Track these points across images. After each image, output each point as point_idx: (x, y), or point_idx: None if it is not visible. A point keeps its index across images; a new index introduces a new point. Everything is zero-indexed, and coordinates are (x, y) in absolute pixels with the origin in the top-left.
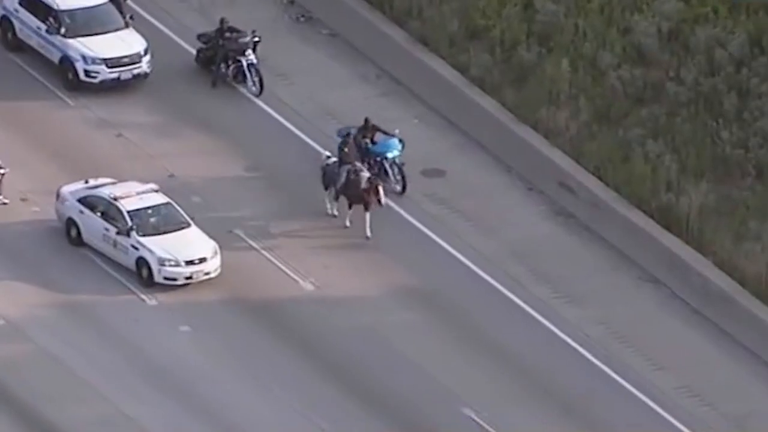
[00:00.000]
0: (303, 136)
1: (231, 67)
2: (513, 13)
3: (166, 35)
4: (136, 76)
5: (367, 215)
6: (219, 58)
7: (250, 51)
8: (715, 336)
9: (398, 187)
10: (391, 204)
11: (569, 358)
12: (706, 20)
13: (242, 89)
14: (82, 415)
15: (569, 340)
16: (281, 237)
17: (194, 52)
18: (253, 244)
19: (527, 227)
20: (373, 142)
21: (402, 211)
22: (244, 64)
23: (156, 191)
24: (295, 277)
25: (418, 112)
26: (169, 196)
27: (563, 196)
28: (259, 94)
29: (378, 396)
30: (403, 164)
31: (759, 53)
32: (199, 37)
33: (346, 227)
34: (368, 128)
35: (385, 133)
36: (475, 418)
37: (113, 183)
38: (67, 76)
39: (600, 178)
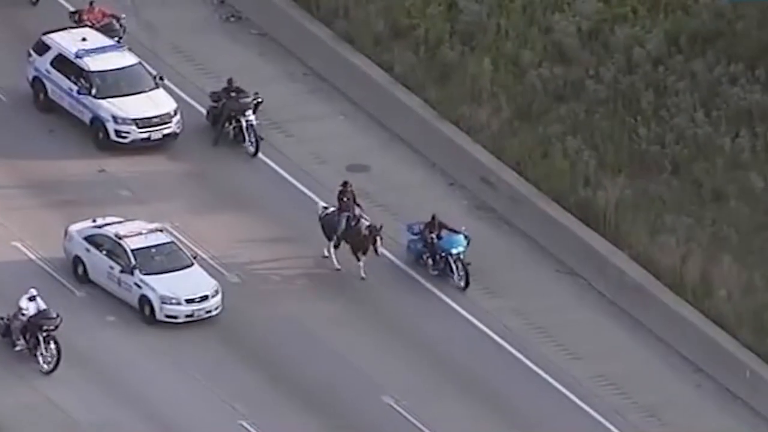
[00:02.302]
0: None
1: (232, 127)
2: (437, 13)
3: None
4: (165, 136)
5: (362, 260)
6: (223, 116)
7: (250, 111)
8: (631, 327)
9: (462, 283)
10: (316, 198)
11: (488, 349)
12: (624, 20)
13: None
14: (8, 402)
15: (488, 331)
16: (207, 230)
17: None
18: (180, 237)
19: (448, 221)
20: (439, 238)
21: (327, 206)
22: (244, 124)
23: (161, 231)
24: (221, 270)
25: (343, 109)
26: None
27: (484, 190)
28: (254, 155)
29: (299, 384)
30: (469, 264)
31: (676, 52)
32: (211, 95)
33: (337, 270)
34: (435, 225)
35: (451, 230)
36: (395, 406)
37: (120, 222)
38: (97, 136)
39: (520, 174)
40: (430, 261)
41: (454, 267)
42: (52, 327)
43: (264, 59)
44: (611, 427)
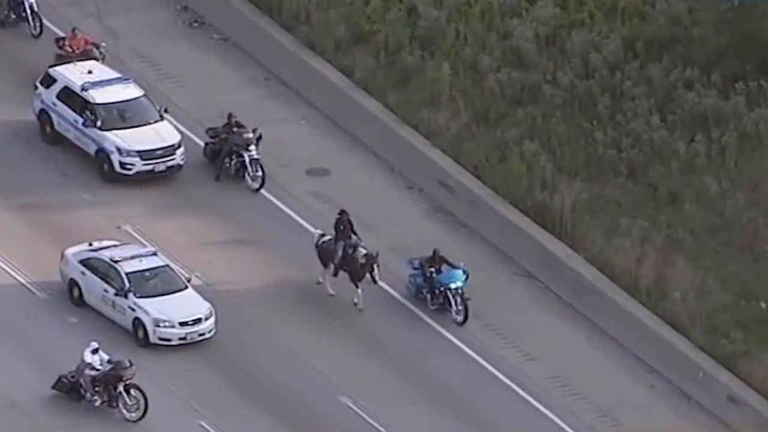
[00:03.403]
0: (190, 134)
1: (234, 162)
2: (397, 18)
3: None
4: (169, 168)
5: (359, 288)
6: (224, 152)
7: (253, 146)
8: (587, 329)
9: (459, 318)
10: (276, 202)
11: (445, 350)
12: (582, 25)
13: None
14: None
15: (445, 332)
16: (168, 232)
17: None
18: (141, 240)
19: (407, 224)
20: (439, 272)
21: (287, 209)
22: (247, 159)
23: (155, 254)
24: (181, 271)
25: (304, 114)
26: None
27: (442, 194)
28: (258, 189)
29: (257, 384)
30: (468, 299)
31: (632, 57)
32: (208, 131)
33: (331, 295)
34: (435, 259)
35: (451, 265)
36: (352, 406)
37: (115, 245)
38: (102, 168)
39: (478, 177)
40: (428, 295)
41: (452, 301)
42: (130, 376)
43: (226, 64)
44: (566, 427)
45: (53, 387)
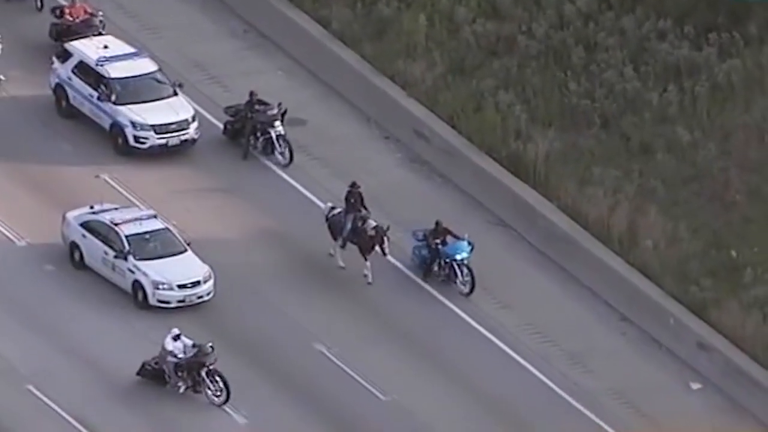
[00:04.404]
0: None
1: (260, 140)
2: None
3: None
4: (183, 142)
5: (368, 261)
6: (248, 130)
7: (278, 122)
8: (559, 277)
9: (465, 289)
10: (255, 154)
11: (418, 297)
12: None
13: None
14: None
15: (418, 280)
16: (144, 183)
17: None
18: (118, 188)
19: (383, 173)
20: (444, 244)
21: (262, 158)
22: (273, 135)
23: (155, 217)
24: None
25: (282, 65)
26: None
27: (418, 144)
28: (288, 164)
29: (231, 331)
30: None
31: (606, 8)
32: (227, 110)
33: (341, 268)
34: (439, 231)
35: (455, 236)
36: (326, 353)
37: (116, 208)
38: (117, 142)
39: (453, 127)
40: (435, 267)
41: (458, 272)
42: (213, 361)
43: (205, 16)
44: (537, 374)
45: (137, 373)
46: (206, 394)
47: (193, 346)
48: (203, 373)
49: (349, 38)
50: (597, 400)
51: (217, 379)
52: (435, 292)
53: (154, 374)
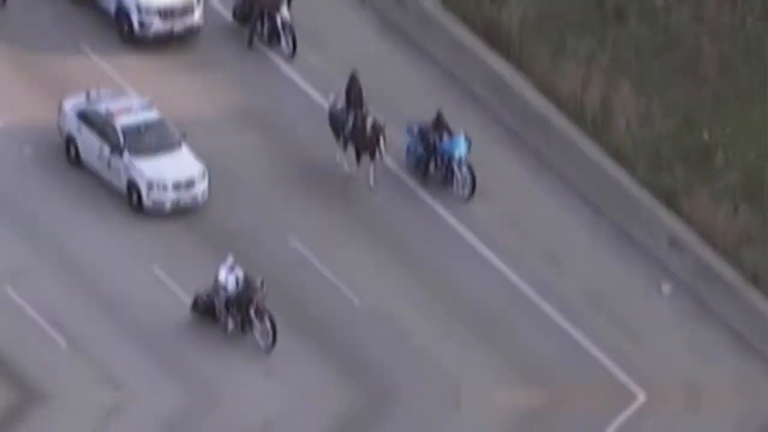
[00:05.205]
0: None
1: (265, 26)
2: None
3: None
4: (188, 29)
5: (372, 165)
6: (254, 15)
7: (284, 7)
8: (533, 165)
9: (465, 192)
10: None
11: (390, 182)
12: None
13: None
14: None
15: (390, 164)
16: (125, 58)
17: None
18: (98, 60)
19: (360, 44)
20: (441, 139)
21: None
22: (278, 21)
23: (150, 105)
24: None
25: None
26: None
27: (395, 11)
28: (292, 55)
29: (204, 224)
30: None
31: None
32: None
33: (348, 174)
34: (441, 124)
35: (449, 131)
36: (300, 249)
37: (112, 95)
38: (122, 29)
39: None
40: (431, 167)
41: (457, 172)
42: (261, 300)
43: None
44: (511, 274)
45: (192, 308)
46: (254, 335)
47: (245, 280)
48: (252, 312)
49: None
50: (567, 303)
51: (266, 319)
52: (408, 182)
53: (206, 309)
